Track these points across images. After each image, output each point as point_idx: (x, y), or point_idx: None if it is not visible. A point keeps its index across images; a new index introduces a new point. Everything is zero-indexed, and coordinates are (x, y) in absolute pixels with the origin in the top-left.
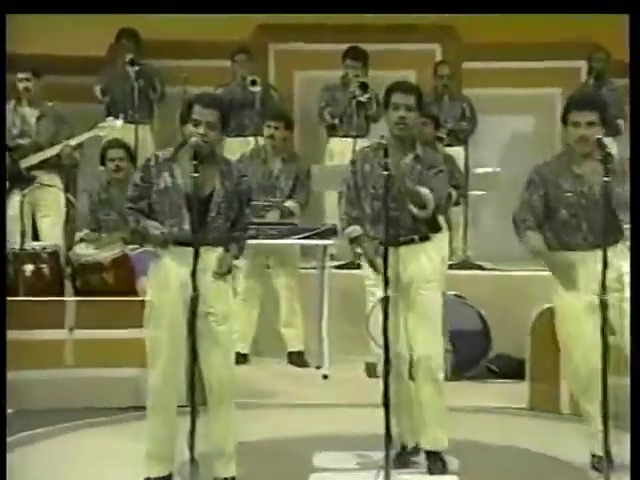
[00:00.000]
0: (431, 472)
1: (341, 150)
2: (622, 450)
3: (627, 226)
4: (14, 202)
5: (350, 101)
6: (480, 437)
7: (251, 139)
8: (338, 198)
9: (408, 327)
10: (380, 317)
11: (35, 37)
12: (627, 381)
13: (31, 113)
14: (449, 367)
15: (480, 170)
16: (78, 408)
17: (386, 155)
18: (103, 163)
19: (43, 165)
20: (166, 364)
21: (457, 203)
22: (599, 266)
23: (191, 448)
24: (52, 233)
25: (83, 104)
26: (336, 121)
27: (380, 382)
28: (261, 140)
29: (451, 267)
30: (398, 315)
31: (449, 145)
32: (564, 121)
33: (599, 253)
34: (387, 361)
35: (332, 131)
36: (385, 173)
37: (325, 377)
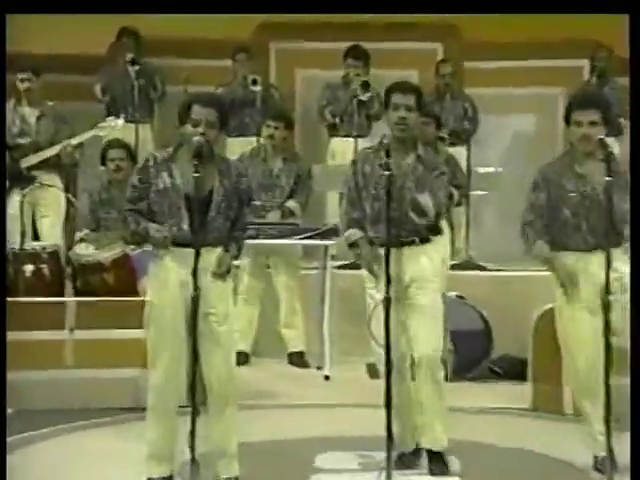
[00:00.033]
0: (432, 473)
1: (342, 150)
2: (625, 451)
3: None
4: (14, 202)
5: (351, 100)
6: (482, 438)
7: (253, 139)
8: (339, 199)
9: (408, 327)
10: (381, 318)
11: (35, 37)
12: (627, 382)
13: (31, 112)
14: (451, 368)
15: (482, 170)
16: (78, 409)
17: (388, 155)
18: (103, 163)
19: (43, 165)
20: (166, 364)
21: (459, 203)
22: (599, 267)
23: (192, 448)
24: (52, 233)
25: (83, 103)
26: (337, 120)
27: (381, 383)
28: (262, 140)
29: (453, 267)
30: (399, 316)
31: (451, 145)
32: (566, 120)
33: (599, 254)
34: (389, 362)
35: (333, 131)
36: (387, 173)
37: (327, 378)
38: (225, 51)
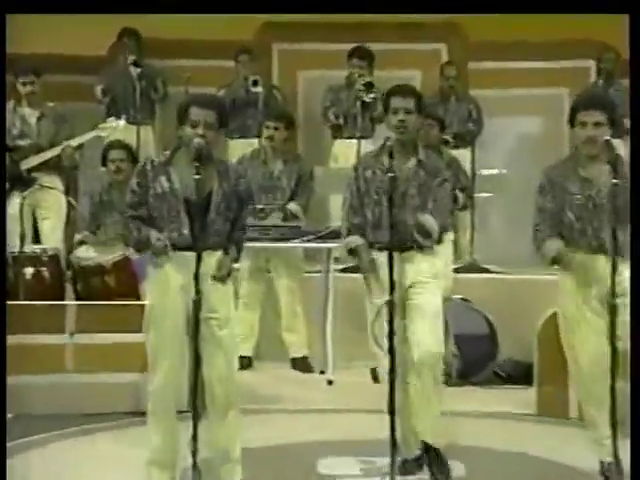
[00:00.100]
0: (434, 477)
1: (345, 152)
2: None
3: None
4: (14, 204)
5: (355, 101)
6: (487, 443)
7: (255, 141)
8: (342, 204)
9: (407, 329)
10: (383, 322)
11: (35, 37)
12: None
13: (31, 113)
14: (455, 372)
15: (487, 172)
16: (79, 413)
17: (391, 156)
18: (104, 164)
19: (43, 166)
20: (166, 369)
21: (464, 207)
22: (604, 271)
23: (194, 454)
24: (53, 236)
25: (84, 104)
26: (340, 121)
27: (385, 387)
28: (262, 141)
29: (458, 270)
30: (400, 318)
31: (455, 147)
32: (571, 122)
33: (604, 258)
34: (393, 366)
35: (336, 132)
36: (390, 175)
37: (330, 382)
38: (227, 52)
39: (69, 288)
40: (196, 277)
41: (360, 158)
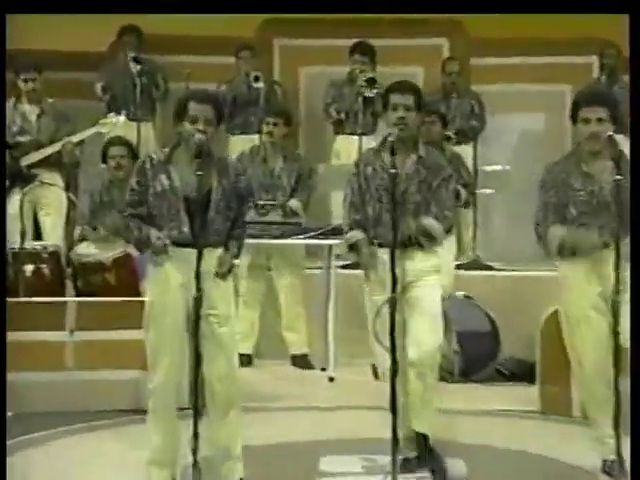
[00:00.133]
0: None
1: (347, 149)
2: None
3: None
4: (14, 201)
5: (357, 97)
6: (490, 441)
7: (256, 137)
8: (343, 200)
9: (406, 325)
10: (384, 319)
11: (35, 37)
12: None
13: (31, 110)
14: (457, 369)
15: (489, 168)
16: (79, 411)
17: (393, 153)
18: (104, 161)
19: (44, 163)
20: (167, 367)
21: (467, 203)
22: (607, 267)
23: (194, 452)
24: (54, 232)
25: (84, 101)
26: (342, 117)
27: (385, 384)
28: (263, 137)
29: (460, 267)
30: (400, 315)
31: (457, 143)
32: (574, 119)
33: (604, 253)
34: (394, 363)
35: (338, 128)
36: (392, 171)
37: (331, 380)
38: (228, 48)
39: (69, 285)
40: (197, 275)
41: (361, 155)
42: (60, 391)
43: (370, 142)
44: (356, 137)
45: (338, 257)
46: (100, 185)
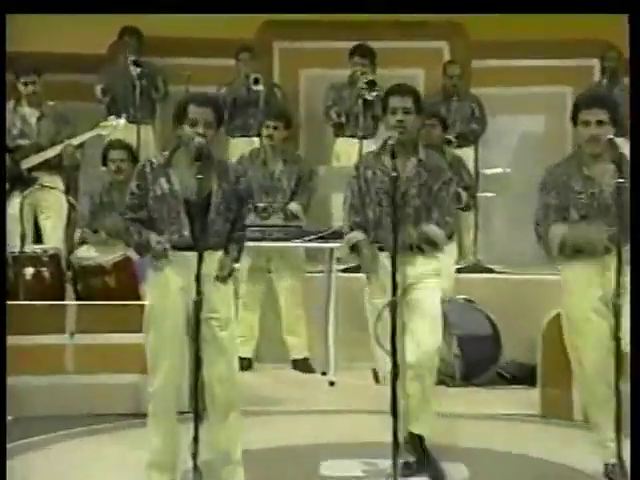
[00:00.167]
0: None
1: (347, 151)
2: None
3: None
4: (14, 204)
5: (357, 100)
6: (491, 445)
7: (256, 139)
8: (343, 203)
9: (407, 327)
10: (385, 322)
11: (35, 37)
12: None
13: (31, 113)
14: (458, 373)
15: (490, 171)
16: (79, 415)
17: (393, 156)
18: (105, 164)
19: (44, 166)
20: (166, 371)
21: (468, 207)
22: (608, 270)
23: (194, 456)
24: (55, 235)
25: (84, 103)
26: (342, 119)
27: (386, 388)
28: (263, 140)
29: (461, 270)
30: (401, 318)
31: (458, 146)
32: (574, 121)
33: (608, 257)
34: (395, 366)
35: (339, 131)
36: (393, 174)
37: (332, 384)
38: (228, 50)
39: (69, 288)
40: (197, 278)
41: (361, 157)
42: (60, 395)
43: (370, 145)
44: (356, 140)
45: (339, 260)
46: (100, 187)
